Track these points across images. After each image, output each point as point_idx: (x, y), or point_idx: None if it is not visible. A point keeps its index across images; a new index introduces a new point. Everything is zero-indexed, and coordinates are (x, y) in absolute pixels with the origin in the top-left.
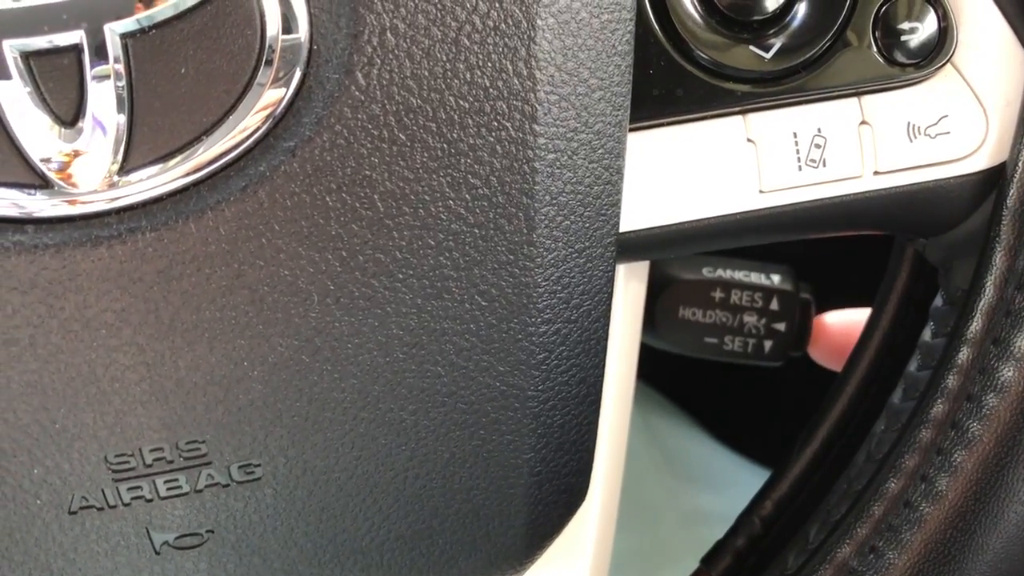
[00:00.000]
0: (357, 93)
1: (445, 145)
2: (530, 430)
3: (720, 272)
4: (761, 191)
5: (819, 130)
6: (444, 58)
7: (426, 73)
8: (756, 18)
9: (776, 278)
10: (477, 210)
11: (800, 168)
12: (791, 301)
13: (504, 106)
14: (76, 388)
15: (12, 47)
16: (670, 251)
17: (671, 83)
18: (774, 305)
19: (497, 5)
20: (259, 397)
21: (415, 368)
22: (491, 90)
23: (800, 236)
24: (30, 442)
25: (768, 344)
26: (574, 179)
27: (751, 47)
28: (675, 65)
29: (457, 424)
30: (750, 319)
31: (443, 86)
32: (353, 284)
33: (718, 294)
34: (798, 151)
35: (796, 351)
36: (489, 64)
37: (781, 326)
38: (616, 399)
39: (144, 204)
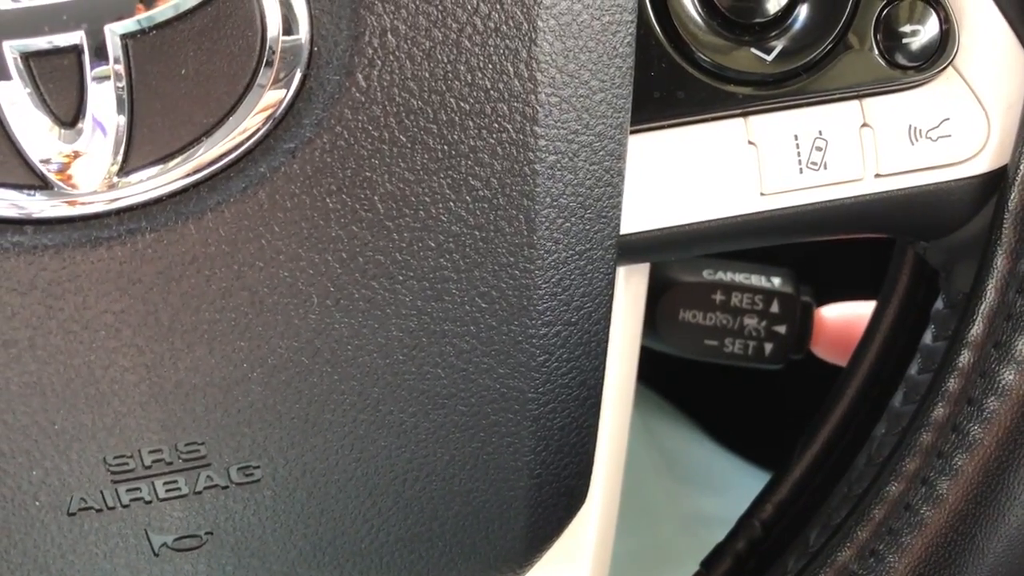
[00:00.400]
0: (358, 94)
1: (446, 147)
2: (530, 432)
3: (720, 274)
4: (762, 193)
5: (820, 132)
6: (445, 60)
7: (427, 75)
8: (757, 20)
9: (777, 280)
10: (477, 212)
11: (801, 171)
12: (791, 304)
13: (505, 108)
14: (75, 389)
15: (12, 48)
16: (671, 253)
17: (672, 85)
18: (774, 308)
19: (498, 7)
20: (258, 399)
21: (415, 370)
22: (492, 92)
23: (801, 238)
24: (29, 444)
25: (768, 347)
26: (575, 181)
27: (752, 49)
28: (676, 67)
29: (457, 426)
30: (750, 322)
31: (444, 88)
32: (353, 286)
33: (718, 296)
34: (799, 153)
35: (796, 354)
36: (490, 66)
37: (782, 329)
38: (616, 401)
39: (144, 205)
